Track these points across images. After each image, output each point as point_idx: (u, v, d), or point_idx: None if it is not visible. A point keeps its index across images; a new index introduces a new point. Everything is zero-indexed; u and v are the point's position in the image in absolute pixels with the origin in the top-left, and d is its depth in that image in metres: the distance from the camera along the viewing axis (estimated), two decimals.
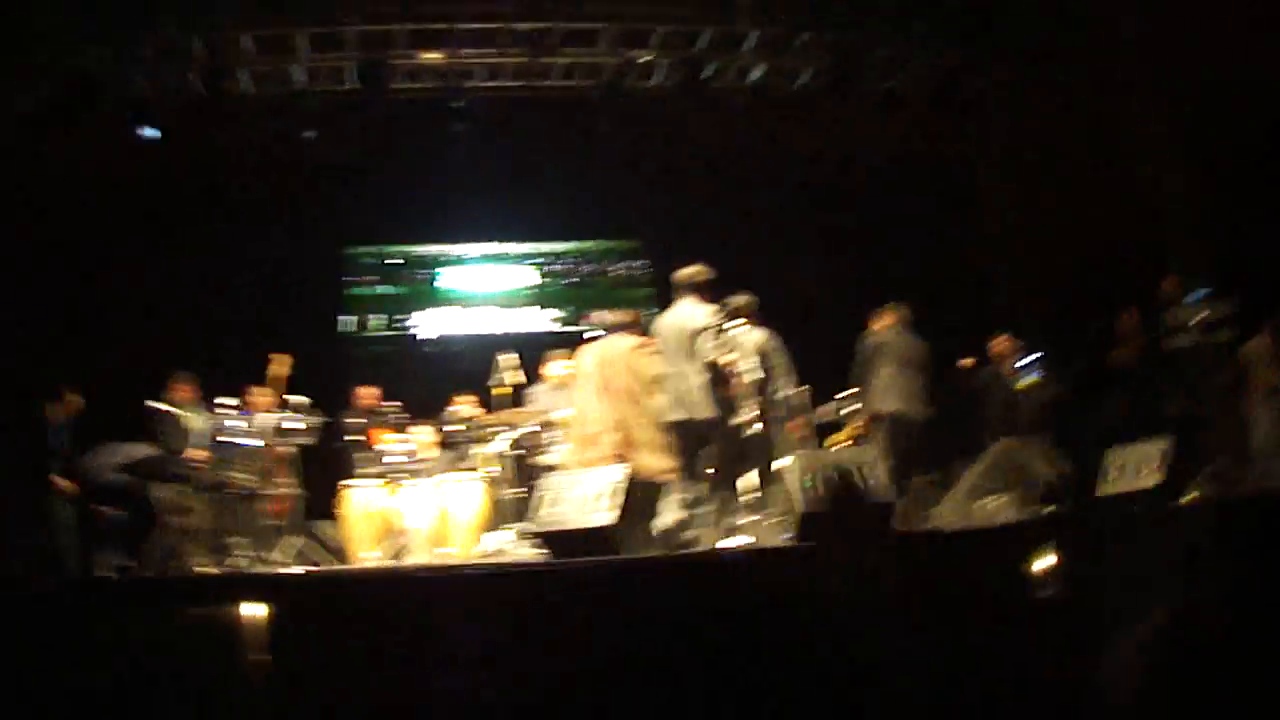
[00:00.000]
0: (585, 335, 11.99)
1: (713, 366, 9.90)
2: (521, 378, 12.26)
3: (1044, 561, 7.72)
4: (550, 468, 11.29)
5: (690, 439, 10.07)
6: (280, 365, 12.38)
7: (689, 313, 10.21)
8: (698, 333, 10.01)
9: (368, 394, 13.87)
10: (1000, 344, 13.46)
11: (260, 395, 12.55)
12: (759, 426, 9.92)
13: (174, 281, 15.34)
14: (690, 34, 15.51)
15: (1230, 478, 10.60)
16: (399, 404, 13.16)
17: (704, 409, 9.94)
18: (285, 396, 11.89)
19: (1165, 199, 14.19)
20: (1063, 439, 12.79)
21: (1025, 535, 8.78)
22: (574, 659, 6.84)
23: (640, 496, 8.78)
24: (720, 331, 9.89)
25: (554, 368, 12.58)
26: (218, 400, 11.40)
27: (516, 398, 12.30)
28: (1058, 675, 7.35)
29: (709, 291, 10.34)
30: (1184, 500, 10.10)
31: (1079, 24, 13.99)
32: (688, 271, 10.45)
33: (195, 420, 11.75)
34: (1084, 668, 7.32)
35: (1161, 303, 11.62)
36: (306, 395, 12.02)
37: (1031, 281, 16.55)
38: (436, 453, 12.95)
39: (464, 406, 13.33)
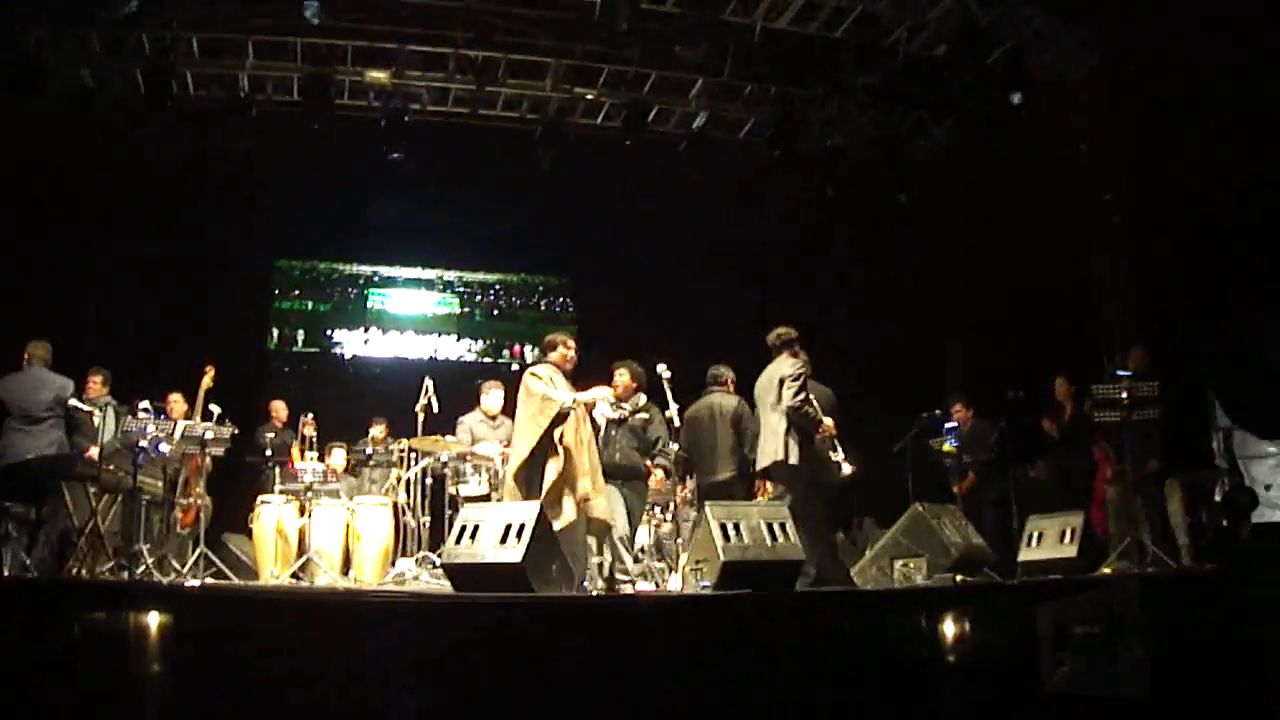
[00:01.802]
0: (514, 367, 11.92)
1: (793, 413, 10.17)
2: (436, 406, 12.14)
3: (950, 627, 7.73)
4: (468, 499, 11.20)
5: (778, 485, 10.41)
6: (208, 376, 12.29)
7: (779, 366, 10.52)
8: (783, 380, 10.30)
9: (281, 409, 13.80)
10: (958, 412, 13.54)
11: (177, 403, 12.42)
12: (848, 469, 10.43)
13: (99, 280, 15.18)
14: (637, 76, 15.49)
15: (1145, 553, 10.72)
16: (312, 418, 13.00)
17: (785, 454, 10.16)
18: (210, 407, 11.74)
19: (1101, 264, 14.34)
20: (980, 503, 12.90)
21: (930, 600, 8.80)
22: (475, 692, 6.76)
23: (551, 535, 8.70)
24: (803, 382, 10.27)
25: (490, 399, 12.46)
26: (138, 404, 11.20)
27: (440, 424, 12.20)
28: None
29: (797, 348, 10.67)
30: (1100, 573, 10.20)
31: (1023, 88, 14.12)
32: (779, 331, 10.81)
33: (108, 421, 11.55)
34: None
35: (1132, 373, 11.72)
36: (228, 406, 11.86)
37: (966, 342, 16.67)
38: (348, 474, 12.90)
39: (378, 430, 13.31)
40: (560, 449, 9.62)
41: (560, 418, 9.63)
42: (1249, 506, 12.64)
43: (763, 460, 10.36)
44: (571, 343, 10.30)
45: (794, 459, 10.15)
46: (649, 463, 10.91)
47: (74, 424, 11.28)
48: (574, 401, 9.78)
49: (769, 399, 10.41)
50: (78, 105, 14.43)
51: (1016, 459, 13.01)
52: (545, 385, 9.80)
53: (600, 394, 10.17)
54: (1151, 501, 11.74)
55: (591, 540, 9.69)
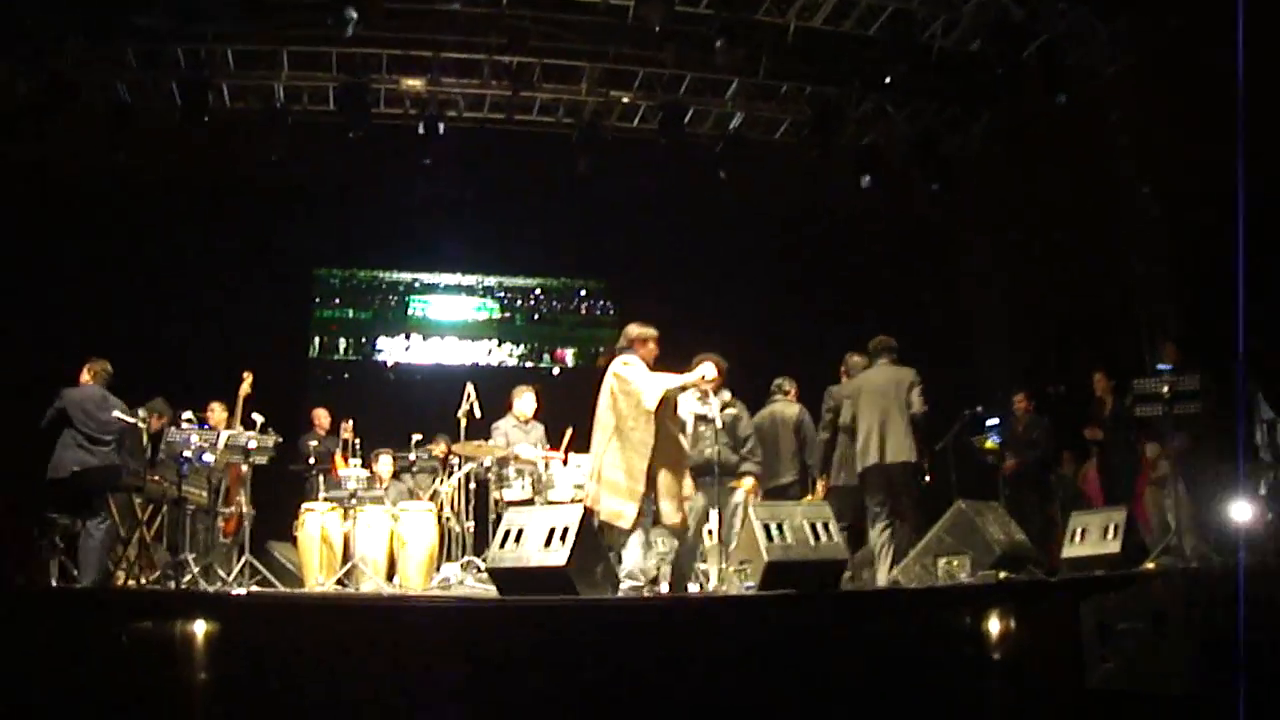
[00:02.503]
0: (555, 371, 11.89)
1: (921, 419, 10.94)
2: (478, 411, 12.16)
3: (994, 624, 7.73)
4: (511, 503, 11.23)
5: (892, 482, 10.87)
6: (246, 382, 12.35)
7: (897, 371, 11.13)
8: (910, 386, 10.89)
9: (324, 417, 13.86)
10: (1019, 403, 13.51)
11: (219, 412, 12.48)
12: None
13: (141, 293, 15.27)
14: (672, 78, 15.50)
15: (1188, 548, 10.67)
16: (351, 425, 13.04)
17: (911, 453, 10.82)
18: (252, 415, 11.76)
19: (1139, 262, 14.25)
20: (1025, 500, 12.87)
21: (974, 598, 8.79)
22: (525, 696, 6.79)
23: (595, 538, 8.71)
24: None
25: (523, 403, 12.51)
26: (181, 415, 11.27)
27: (481, 429, 12.24)
28: None
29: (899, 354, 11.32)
30: (1143, 568, 10.16)
31: (1060, 86, 14.06)
32: (881, 339, 11.39)
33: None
34: None
35: (1167, 367, 11.71)
36: (271, 415, 11.89)
37: (1006, 339, 16.62)
38: (393, 481, 12.95)
39: (419, 438, 13.27)
40: (669, 442, 9.24)
41: (667, 403, 9.23)
42: None
43: (895, 457, 10.77)
44: (656, 336, 9.67)
45: (917, 459, 10.91)
46: (741, 469, 10.76)
47: (123, 443, 11.33)
48: (682, 384, 9.39)
49: (897, 402, 10.88)
50: (114, 119, 14.50)
51: (1056, 453, 13.03)
52: (641, 373, 9.27)
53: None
54: (1197, 496, 11.71)
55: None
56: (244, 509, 11.96)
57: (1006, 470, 13.18)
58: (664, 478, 9.08)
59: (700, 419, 10.36)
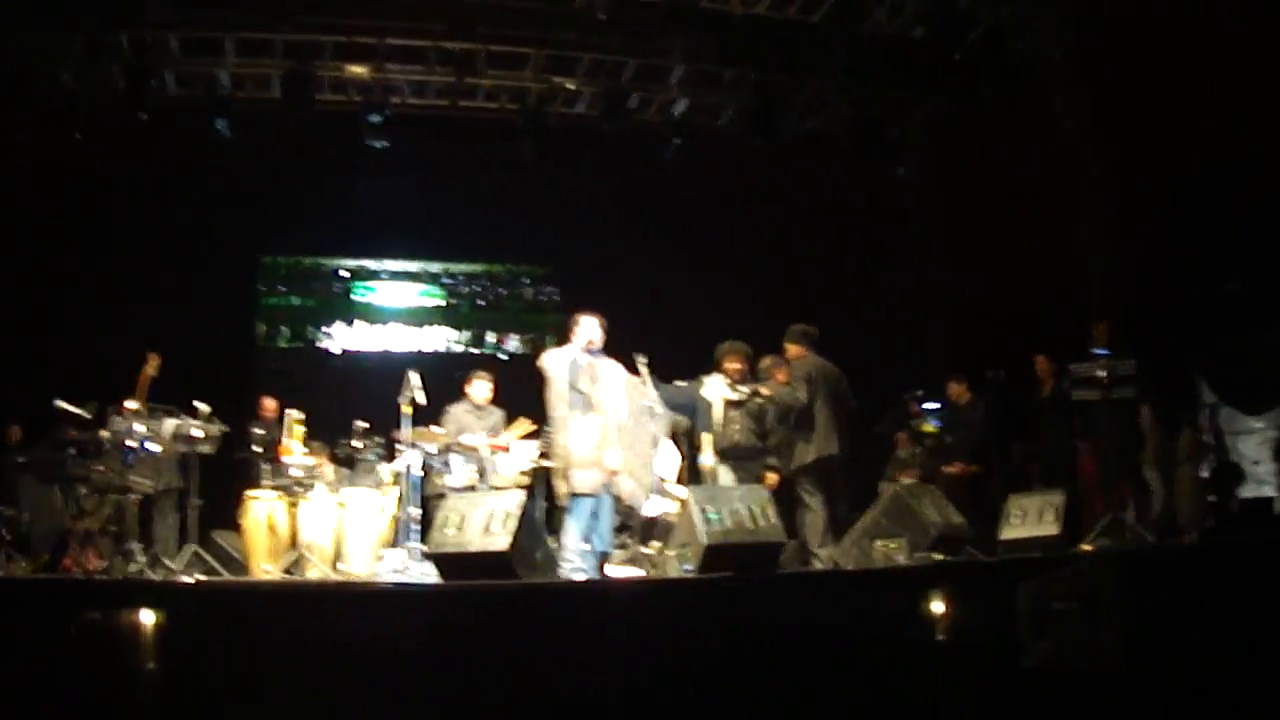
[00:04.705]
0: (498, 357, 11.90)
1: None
2: (421, 398, 12.14)
3: (931, 605, 7.80)
4: (454, 489, 11.27)
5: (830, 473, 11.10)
6: (150, 365, 12.24)
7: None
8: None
9: (270, 405, 13.82)
10: (952, 387, 13.58)
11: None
12: None
13: (85, 282, 15.19)
14: (616, 65, 15.53)
15: (1125, 530, 10.77)
16: (302, 415, 13.00)
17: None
18: (195, 404, 11.69)
19: (1083, 245, 14.35)
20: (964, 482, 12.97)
21: (911, 579, 8.89)
22: (468, 679, 6.84)
23: (535, 523, 8.82)
24: None
25: (475, 389, 12.55)
26: (125, 404, 11.22)
27: (425, 416, 12.23)
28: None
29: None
30: (1080, 549, 10.26)
31: (1005, 70, 14.16)
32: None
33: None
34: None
35: (1090, 348, 11.80)
36: (216, 404, 11.85)
37: (949, 324, 16.70)
38: (336, 467, 12.91)
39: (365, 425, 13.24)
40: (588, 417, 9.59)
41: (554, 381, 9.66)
42: (1236, 482, 12.73)
43: (829, 448, 11.07)
44: (584, 319, 10.01)
45: None
46: (766, 461, 11.14)
47: (64, 428, 11.31)
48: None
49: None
50: (57, 107, 14.41)
51: (999, 439, 13.10)
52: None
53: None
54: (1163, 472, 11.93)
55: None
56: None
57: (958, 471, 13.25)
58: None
59: (729, 404, 10.65)
